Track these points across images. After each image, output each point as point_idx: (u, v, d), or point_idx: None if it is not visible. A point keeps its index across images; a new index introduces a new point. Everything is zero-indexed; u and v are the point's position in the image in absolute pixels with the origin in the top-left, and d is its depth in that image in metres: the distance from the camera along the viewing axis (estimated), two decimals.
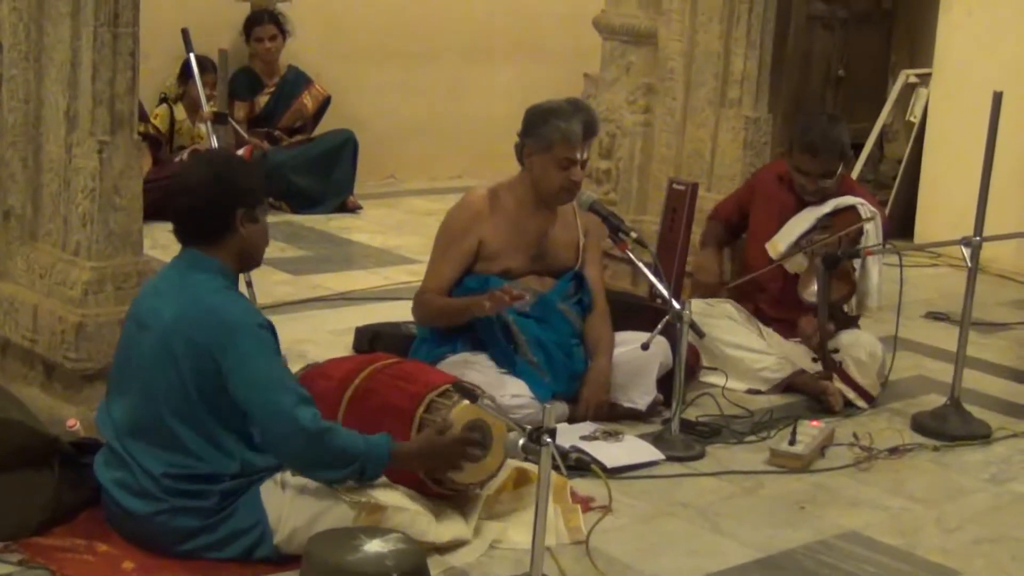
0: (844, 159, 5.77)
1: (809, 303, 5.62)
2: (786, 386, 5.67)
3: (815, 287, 5.55)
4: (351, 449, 3.78)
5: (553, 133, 5.07)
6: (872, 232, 5.64)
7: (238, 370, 3.75)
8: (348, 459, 3.78)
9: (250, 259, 4.02)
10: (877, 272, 5.71)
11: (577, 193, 5.15)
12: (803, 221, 5.72)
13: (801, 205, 5.79)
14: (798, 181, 5.77)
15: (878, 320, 6.05)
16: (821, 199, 5.76)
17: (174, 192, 3.96)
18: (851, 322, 5.79)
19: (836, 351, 5.55)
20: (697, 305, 5.65)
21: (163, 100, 8.18)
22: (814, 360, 5.56)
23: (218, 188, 3.89)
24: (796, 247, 5.67)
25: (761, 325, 5.81)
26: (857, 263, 5.59)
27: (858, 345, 5.65)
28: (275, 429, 3.76)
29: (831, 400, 5.51)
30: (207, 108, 5.87)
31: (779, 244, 5.72)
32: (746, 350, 5.70)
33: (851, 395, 5.58)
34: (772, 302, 5.83)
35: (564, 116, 5.09)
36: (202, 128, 8.05)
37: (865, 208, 5.69)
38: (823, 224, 5.69)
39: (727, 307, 5.82)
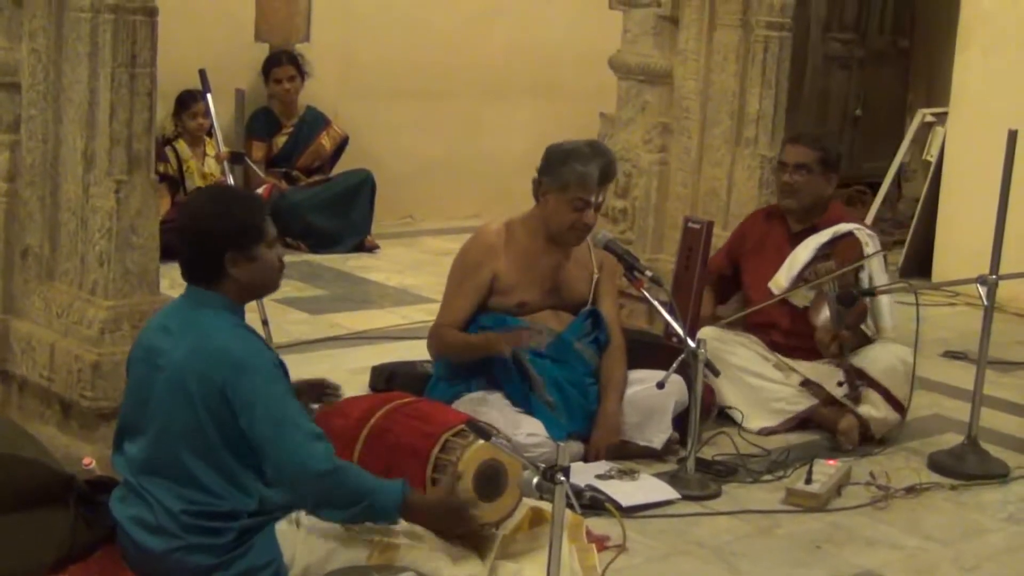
0: (825, 162, 5.80)
1: (823, 325, 5.61)
2: (801, 420, 5.66)
3: (826, 313, 5.55)
4: (361, 488, 3.75)
5: (570, 174, 5.09)
6: (877, 266, 5.65)
7: (249, 408, 3.73)
8: (357, 498, 3.74)
9: (256, 293, 3.99)
10: (886, 297, 5.71)
11: (587, 236, 5.18)
12: (802, 254, 5.74)
13: (793, 238, 5.83)
14: (777, 180, 5.90)
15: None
16: (799, 212, 5.82)
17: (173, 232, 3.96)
18: (870, 343, 5.78)
19: (860, 382, 5.52)
20: (716, 332, 5.66)
21: (167, 142, 8.10)
22: (839, 384, 5.54)
23: (203, 233, 3.83)
24: (800, 280, 5.68)
25: (781, 357, 5.80)
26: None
27: (888, 352, 5.64)
28: (285, 467, 3.74)
29: (843, 439, 5.50)
30: (223, 148, 5.91)
31: (781, 280, 5.73)
32: (765, 379, 5.70)
33: (878, 411, 5.55)
34: (785, 335, 5.83)
35: (583, 159, 5.11)
36: (212, 163, 8.09)
37: (863, 232, 5.73)
38: (824, 253, 5.70)
39: (745, 339, 5.82)
